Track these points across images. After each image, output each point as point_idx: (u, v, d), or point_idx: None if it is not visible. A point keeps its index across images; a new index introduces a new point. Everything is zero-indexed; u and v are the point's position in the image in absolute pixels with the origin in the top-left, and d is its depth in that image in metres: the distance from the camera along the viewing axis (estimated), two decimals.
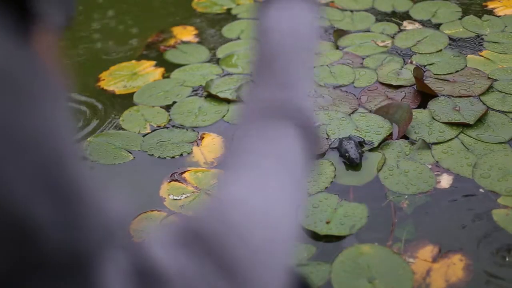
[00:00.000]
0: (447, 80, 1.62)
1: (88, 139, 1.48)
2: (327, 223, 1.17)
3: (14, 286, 0.29)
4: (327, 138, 1.43)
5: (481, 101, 1.51)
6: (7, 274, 0.28)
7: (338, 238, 1.14)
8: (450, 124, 1.43)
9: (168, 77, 1.76)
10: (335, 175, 1.30)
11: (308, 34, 0.53)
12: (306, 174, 0.47)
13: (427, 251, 1.09)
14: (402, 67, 1.70)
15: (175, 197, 1.28)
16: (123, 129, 1.53)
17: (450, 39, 1.82)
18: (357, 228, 1.15)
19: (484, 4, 2.02)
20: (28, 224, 0.28)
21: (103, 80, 1.76)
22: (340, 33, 1.92)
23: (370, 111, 1.52)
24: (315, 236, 1.14)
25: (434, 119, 1.46)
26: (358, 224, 1.16)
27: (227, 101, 1.61)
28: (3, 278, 0.28)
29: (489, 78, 1.60)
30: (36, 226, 0.28)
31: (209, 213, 0.41)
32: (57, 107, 0.31)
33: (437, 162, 1.32)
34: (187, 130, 1.51)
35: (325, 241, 1.13)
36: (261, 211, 0.41)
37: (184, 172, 1.35)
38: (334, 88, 1.64)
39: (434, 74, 1.65)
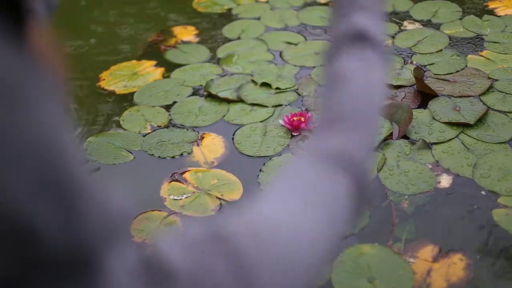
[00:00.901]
0: (447, 80, 1.62)
1: (88, 139, 1.48)
2: None
3: (18, 287, 0.29)
4: None
5: (481, 101, 1.51)
6: (9, 275, 0.28)
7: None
8: (450, 124, 1.43)
9: (168, 77, 1.76)
10: None
11: (380, 89, 0.52)
12: (347, 220, 0.46)
13: (428, 251, 1.09)
14: (402, 67, 1.70)
15: (175, 197, 1.28)
16: (123, 129, 1.53)
17: (451, 39, 1.82)
18: (359, 228, 1.15)
19: (485, 4, 2.02)
20: (29, 225, 0.28)
21: (103, 79, 1.76)
22: None
23: None
24: None
25: (434, 119, 1.46)
26: (360, 223, 1.16)
27: (228, 101, 1.61)
28: (5, 280, 0.29)
29: (489, 78, 1.60)
30: (37, 226, 0.28)
31: (235, 219, 0.40)
32: (53, 109, 0.31)
33: (437, 162, 1.32)
34: (187, 130, 1.51)
35: None
36: (289, 229, 0.41)
37: (185, 172, 1.35)
38: None
39: (434, 74, 1.65)
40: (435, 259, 1.08)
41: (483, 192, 1.22)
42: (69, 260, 0.31)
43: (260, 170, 1.33)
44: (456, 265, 1.06)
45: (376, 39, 0.51)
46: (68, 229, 0.30)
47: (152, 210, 1.24)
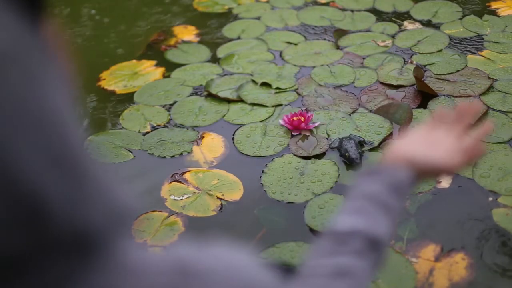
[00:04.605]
0: (448, 80, 1.62)
1: (89, 137, 1.48)
2: None
3: (27, 265, 0.30)
4: (327, 138, 1.43)
5: (481, 101, 1.51)
6: (21, 253, 0.29)
7: None
8: None
9: (168, 76, 1.76)
10: (339, 175, 1.30)
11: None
12: None
13: (430, 250, 1.09)
14: (403, 67, 1.70)
15: (176, 198, 1.28)
16: (124, 128, 1.53)
17: (451, 39, 1.82)
18: None
19: (487, 4, 2.02)
20: (39, 201, 0.29)
21: (104, 79, 1.75)
22: (340, 33, 1.92)
23: (370, 111, 1.52)
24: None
25: None
26: None
27: (228, 100, 1.61)
28: (16, 258, 0.29)
29: (489, 78, 1.60)
30: (47, 202, 0.29)
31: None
32: (61, 91, 0.32)
33: None
34: (187, 129, 1.51)
35: None
36: None
37: (185, 172, 1.35)
38: (334, 87, 1.64)
39: (435, 74, 1.65)
40: (437, 259, 1.08)
41: (483, 192, 1.22)
42: (76, 239, 0.31)
43: (263, 172, 1.33)
44: (459, 264, 1.06)
45: (384, 248, 0.54)
46: (75, 206, 0.31)
47: (153, 211, 1.24)
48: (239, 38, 1.95)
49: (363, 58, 1.77)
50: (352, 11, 2.06)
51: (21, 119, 0.28)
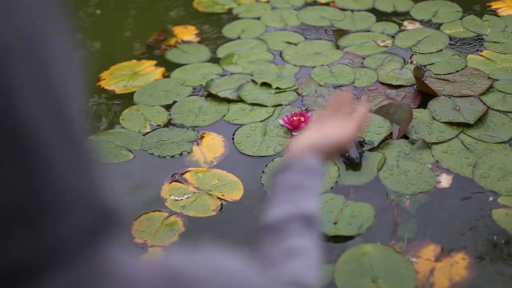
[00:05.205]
0: (448, 80, 1.62)
1: (89, 137, 1.48)
2: (335, 223, 1.16)
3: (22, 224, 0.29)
4: None
5: (481, 101, 1.51)
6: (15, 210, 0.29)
7: (347, 238, 1.13)
8: (450, 124, 1.43)
9: (168, 76, 1.76)
10: (339, 175, 1.30)
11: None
12: None
13: (430, 250, 1.09)
14: (403, 67, 1.70)
15: (176, 198, 1.28)
16: (124, 128, 1.53)
17: (451, 39, 1.82)
18: (365, 228, 1.15)
19: (488, 4, 2.02)
20: (33, 142, 0.29)
21: (104, 79, 1.75)
22: (340, 33, 1.92)
23: (370, 111, 1.52)
24: (324, 237, 1.13)
25: (434, 119, 1.46)
26: (366, 224, 1.16)
27: (228, 100, 1.61)
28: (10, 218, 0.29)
29: (489, 78, 1.60)
30: (41, 145, 0.29)
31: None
32: (68, 55, 0.32)
33: (437, 162, 1.32)
34: (187, 129, 1.51)
35: (334, 242, 1.13)
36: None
37: (185, 172, 1.35)
38: (334, 87, 1.64)
39: (435, 74, 1.65)
40: (437, 259, 1.08)
41: (483, 192, 1.23)
42: (63, 242, 0.31)
43: (263, 172, 1.33)
44: (459, 264, 1.06)
45: (317, 221, 0.60)
46: (73, 167, 0.31)
47: (153, 211, 1.24)
48: (239, 38, 1.95)
49: (363, 58, 1.77)
50: (352, 11, 2.06)
51: (23, 58, 0.28)
